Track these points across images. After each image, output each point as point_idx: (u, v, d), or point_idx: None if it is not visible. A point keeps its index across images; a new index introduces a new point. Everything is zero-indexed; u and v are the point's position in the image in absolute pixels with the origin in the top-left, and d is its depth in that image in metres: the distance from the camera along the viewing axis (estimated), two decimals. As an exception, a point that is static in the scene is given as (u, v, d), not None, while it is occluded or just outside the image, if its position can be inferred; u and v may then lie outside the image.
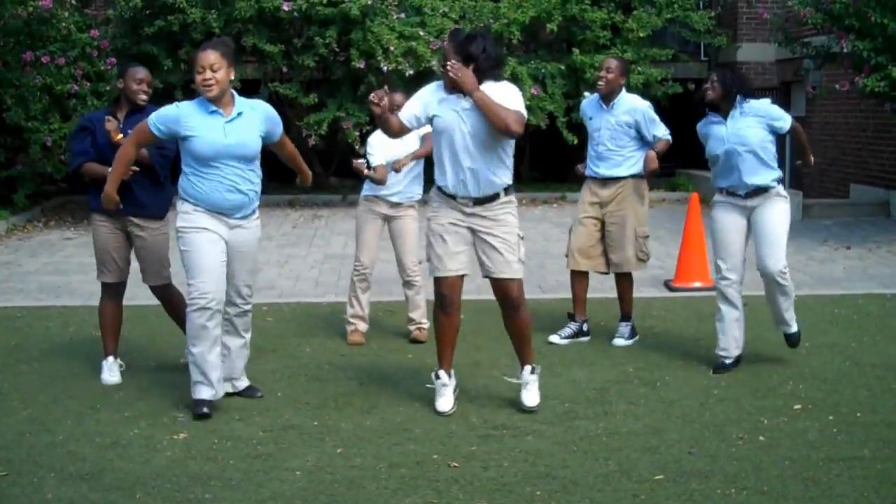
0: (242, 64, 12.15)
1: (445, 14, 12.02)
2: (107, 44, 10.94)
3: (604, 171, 5.95)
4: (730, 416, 4.60)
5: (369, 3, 11.27)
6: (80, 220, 11.18)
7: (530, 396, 4.68)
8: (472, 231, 4.64)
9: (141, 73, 5.12)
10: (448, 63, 4.45)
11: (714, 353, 5.45)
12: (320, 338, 6.13)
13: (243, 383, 4.94)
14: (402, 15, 11.85)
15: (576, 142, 11.74)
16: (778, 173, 5.28)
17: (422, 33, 11.55)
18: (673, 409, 4.72)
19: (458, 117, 4.53)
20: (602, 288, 6.95)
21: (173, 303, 5.35)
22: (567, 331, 6.02)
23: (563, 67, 12.41)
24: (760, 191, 5.24)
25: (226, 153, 4.55)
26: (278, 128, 4.79)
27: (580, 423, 4.51)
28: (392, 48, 11.33)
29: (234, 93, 4.67)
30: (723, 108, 5.30)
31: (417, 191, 6.05)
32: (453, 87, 4.51)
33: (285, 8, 11.34)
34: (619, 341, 5.95)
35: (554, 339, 5.98)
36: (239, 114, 4.60)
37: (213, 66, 4.50)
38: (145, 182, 5.07)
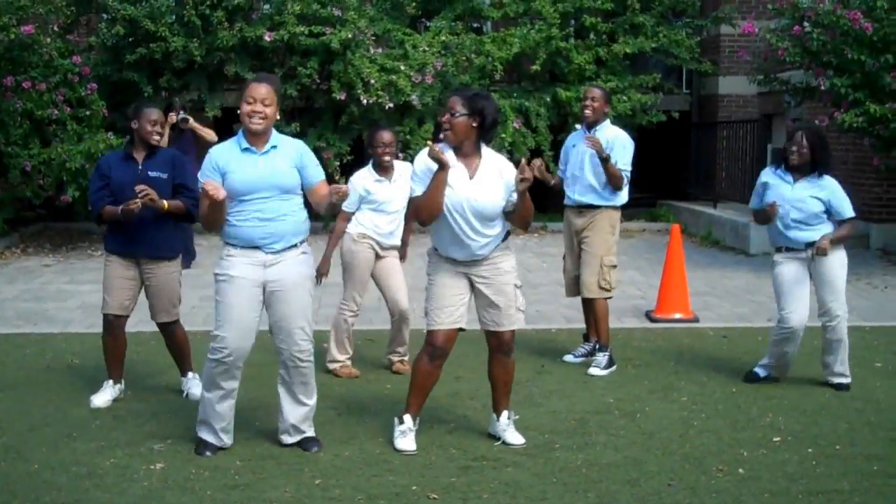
0: (224, 92, 12.21)
1: (427, 50, 12.08)
2: (88, 70, 10.96)
3: (578, 196, 6.13)
4: (709, 448, 4.63)
5: (350, 36, 11.36)
6: (59, 246, 11.15)
7: (515, 436, 4.67)
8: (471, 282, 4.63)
9: (154, 114, 5.21)
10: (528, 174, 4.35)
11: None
12: (300, 367, 6.11)
13: (300, 436, 4.60)
14: (379, 50, 11.92)
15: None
16: (829, 227, 5.59)
17: (403, 67, 11.64)
18: (653, 440, 4.75)
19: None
20: (581, 318, 6.97)
21: (177, 341, 5.44)
22: (581, 350, 6.30)
23: (547, 100, 12.52)
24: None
25: (260, 184, 4.38)
26: (314, 170, 4.50)
27: (560, 455, 4.53)
28: (373, 81, 11.42)
29: (273, 130, 4.52)
30: (799, 172, 5.55)
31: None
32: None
33: (267, 38, 11.42)
34: (594, 370, 5.99)
35: (568, 358, 6.26)
36: (273, 147, 4.46)
37: (265, 100, 4.38)
38: (165, 225, 5.19)
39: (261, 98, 4.38)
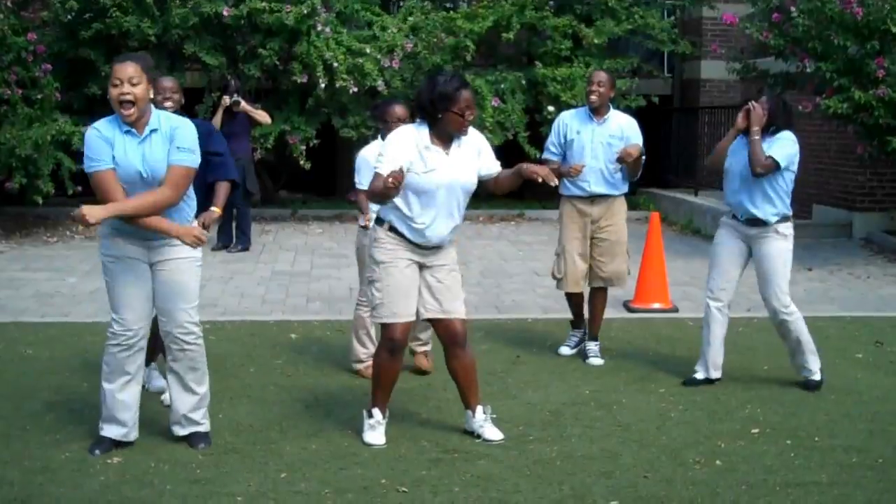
0: (185, 71, 12.12)
1: (396, 31, 12.04)
2: (43, 49, 10.83)
3: (595, 187, 6.03)
4: (686, 440, 4.68)
5: (305, 12, 11.27)
6: (11, 232, 11.04)
7: (494, 431, 4.68)
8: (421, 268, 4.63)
9: (166, 82, 5.16)
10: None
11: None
12: (265, 358, 6.11)
13: (193, 429, 4.54)
14: (329, 32, 11.81)
15: (538, 156, 11.82)
16: (781, 212, 5.43)
17: (369, 50, 11.60)
18: (629, 432, 4.79)
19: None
20: (561, 308, 7.02)
21: None
22: (573, 340, 6.31)
23: (523, 81, 12.52)
24: (758, 222, 5.44)
25: (136, 176, 4.24)
26: (176, 153, 4.28)
27: (534, 447, 4.56)
28: (336, 64, 11.38)
29: (153, 107, 4.36)
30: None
31: None
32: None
33: (226, 13, 11.32)
34: (595, 360, 6.06)
35: (564, 350, 6.27)
36: (153, 130, 4.28)
37: (132, 79, 4.17)
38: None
39: (127, 78, 4.17)
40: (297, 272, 9.22)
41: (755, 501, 3.95)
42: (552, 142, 6.14)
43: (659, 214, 8.20)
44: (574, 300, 6.28)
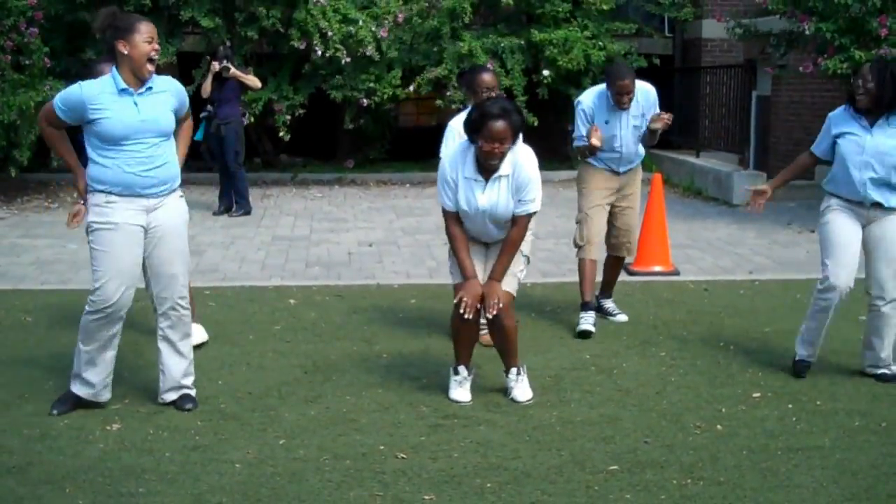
0: (183, 36, 12.01)
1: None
2: (41, 15, 10.68)
3: (623, 169, 6.05)
4: (687, 405, 4.64)
5: None
6: (12, 199, 10.99)
7: (523, 391, 4.71)
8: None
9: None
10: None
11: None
12: (264, 324, 6.08)
13: (182, 392, 4.59)
14: (324, 2, 11.74)
15: (536, 123, 11.73)
16: None
17: (362, 21, 11.54)
18: (629, 397, 4.76)
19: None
20: (560, 272, 6.98)
21: None
22: (591, 317, 5.91)
23: (521, 42, 12.39)
24: (884, 208, 4.91)
25: (140, 129, 4.29)
26: (185, 105, 4.58)
27: (533, 412, 4.53)
28: (330, 34, 11.33)
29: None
30: (871, 114, 4.87)
31: None
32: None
33: None
34: (622, 317, 6.15)
35: (588, 328, 5.83)
36: (148, 88, 4.34)
37: (156, 39, 4.35)
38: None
39: (155, 36, 4.35)
40: (296, 237, 9.17)
41: (756, 467, 3.92)
42: (584, 128, 5.91)
43: (661, 176, 8.13)
44: (590, 270, 5.94)
